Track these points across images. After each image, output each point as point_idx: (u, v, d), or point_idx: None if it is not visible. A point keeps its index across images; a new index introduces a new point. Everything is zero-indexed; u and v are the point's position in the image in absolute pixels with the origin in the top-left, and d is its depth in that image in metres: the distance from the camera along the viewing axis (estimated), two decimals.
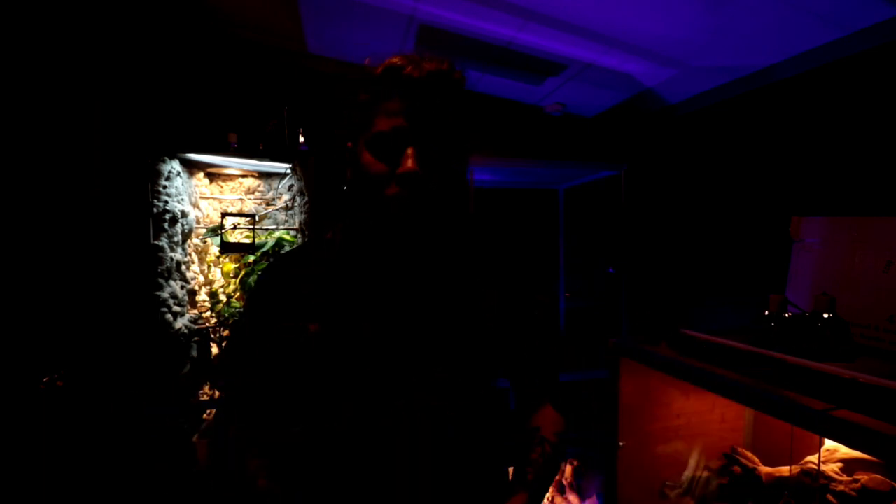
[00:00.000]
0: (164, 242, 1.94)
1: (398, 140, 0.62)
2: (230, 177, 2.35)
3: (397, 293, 0.69)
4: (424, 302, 0.69)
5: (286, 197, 2.38)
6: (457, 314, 0.70)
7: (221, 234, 2.18)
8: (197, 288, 2.26)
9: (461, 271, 0.73)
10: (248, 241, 2.21)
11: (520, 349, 0.79)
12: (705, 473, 1.41)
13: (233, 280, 2.30)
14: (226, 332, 2.25)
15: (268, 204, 2.40)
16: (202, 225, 2.28)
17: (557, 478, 1.97)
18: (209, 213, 2.35)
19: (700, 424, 1.50)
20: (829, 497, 1.13)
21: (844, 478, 1.15)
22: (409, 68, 0.62)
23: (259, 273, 0.75)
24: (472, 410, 0.70)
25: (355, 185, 0.67)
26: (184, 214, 2.08)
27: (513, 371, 0.81)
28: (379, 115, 0.63)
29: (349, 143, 0.69)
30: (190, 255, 2.21)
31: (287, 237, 2.30)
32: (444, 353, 0.68)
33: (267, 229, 2.34)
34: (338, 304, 0.68)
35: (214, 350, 2.28)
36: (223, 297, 2.31)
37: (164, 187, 1.94)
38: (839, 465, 1.18)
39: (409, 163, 0.60)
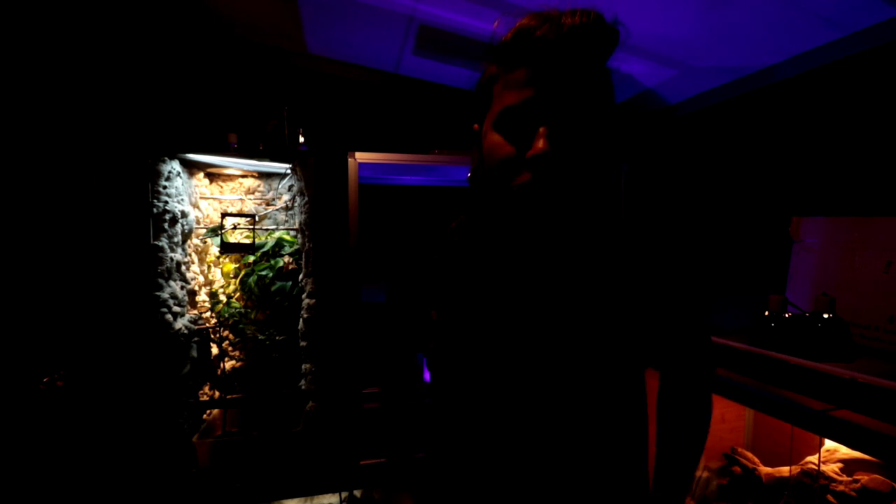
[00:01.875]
0: (164, 243, 1.94)
1: (529, 116, 0.51)
2: (230, 177, 2.35)
3: (523, 304, 0.59)
4: (555, 317, 0.58)
5: (286, 197, 2.38)
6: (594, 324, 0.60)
7: (221, 234, 2.18)
8: (197, 288, 2.26)
9: (607, 286, 0.61)
10: (248, 241, 2.21)
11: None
12: (705, 474, 1.41)
13: (233, 280, 2.30)
14: (226, 333, 2.25)
15: (268, 204, 2.40)
16: (202, 225, 2.28)
17: None
18: (209, 213, 2.35)
19: None
20: (829, 497, 1.13)
21: (844, 478, 1.15)
22: (542, 29, 0.50)
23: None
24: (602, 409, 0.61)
25: (480, 173, 0.58)
26: (184, 215, 2.08)
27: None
28: (506, 90, 0.52)
29: (475, 126, 0.59)
30: (190, 255, 2.21)
31: (287, 237, 2.30)
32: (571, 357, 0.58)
33: (267, 229, 2.34)
34: (456, 300, 0.60)
35: (214, 350, 2.28)
36: (223, 298, 2.31)
37: (164, 187, 1.94)
38: (839, 465, 1.18)
39: (541, 143, 0.49)
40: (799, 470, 1.22)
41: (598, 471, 0.60)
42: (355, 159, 1.97)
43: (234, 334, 2.25)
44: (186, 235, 2.14)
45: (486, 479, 0.59)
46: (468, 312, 0.60)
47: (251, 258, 2.26)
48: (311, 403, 2.14)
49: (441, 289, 0.63)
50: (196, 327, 2.15)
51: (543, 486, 0.58)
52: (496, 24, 0.56)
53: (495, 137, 0.53)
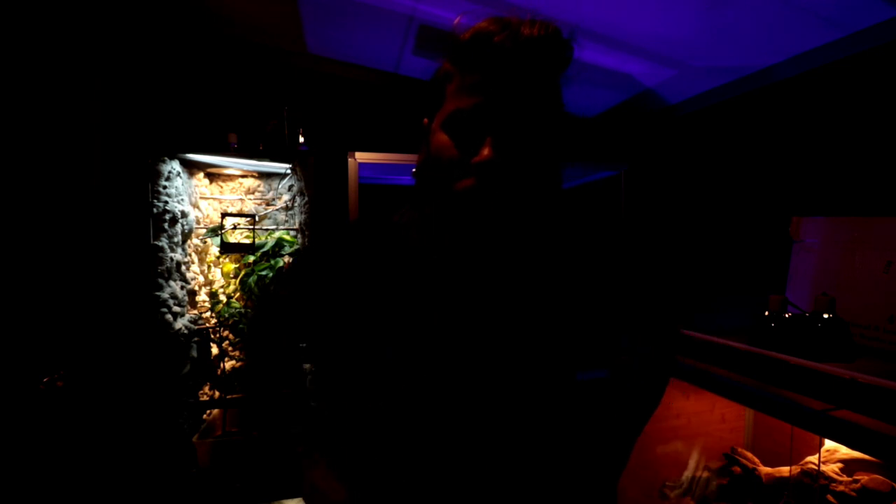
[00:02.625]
0: (164, 243, 1.94)
1: (478, 122, 0.50)
2: (230, 177, 2.35)
3: (468, 299, 0.58)
4: (498, 314, 0.58)
5: (286, 197, 2.38)
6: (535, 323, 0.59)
7: (221, 234, 2.18)
8: (197, 288, 2.26)
9: (546, 291, 0.61)
10: (248, 241, 2.21)
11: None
12: (705, 474, 1.41)
13: (233, 280, 2.30)
14: (226, 333, 2.25)
15: (268, 204, 2.40)
16: (202, 225, 2.28)
17: None
18: (209, 213, 2.35)
19: (700, 424, 1.50)
20: (829, 497, 1.13)
21: (844, 478, 1.15)
22: (501, 35, 0.49)
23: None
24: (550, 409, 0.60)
25: (425, 171, 0.57)
26: (184, 215, 2.08)
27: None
28: (457, 91, 0.52)
29: (425, 120, 0.59)
30: (190, 255, 2.21)
31: (287, 237, 2.30)
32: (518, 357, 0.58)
33: (267, 229, 2.34)
34: (408, 289, 0.58)
35: (214, 350, 2.28)
36: (223, 298, 2.31)
37: (164, 187, 1.94)
38: (839, 465, 1.19)
39: (487, 151, 0.49)
40: (799, 470, 1.22)
41: (547, 474, 0.60)
42: (355, 159, 1.97)
43: (234, 334, 2.25)
44: (186, 235, 2.14)
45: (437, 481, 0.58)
46: (416, 313, 0.58)
47: (251, 258, 2.26)
48: (311, 403, 2.14)
49: (391, 283, 0.60)
50: (196, 327, 2.15)
51: (494, 488, 0.58)
52: (457, 19, 0.55)
53: (443, 138, 0.53)
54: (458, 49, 0.53)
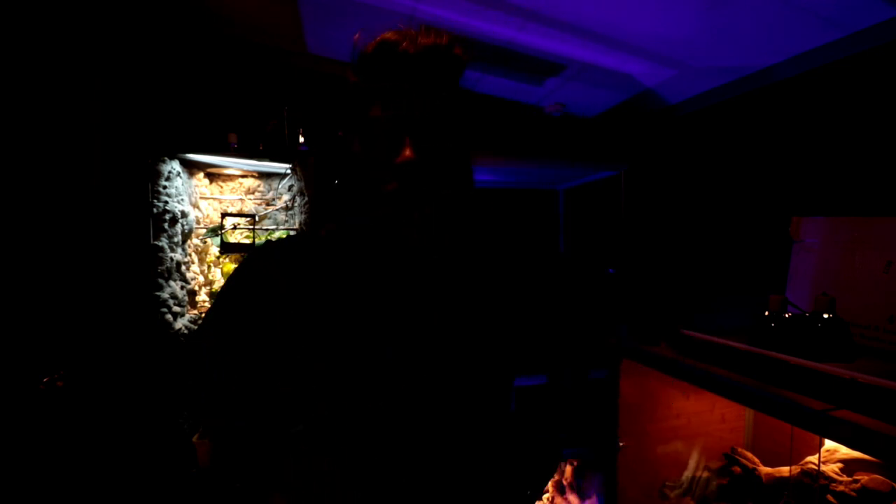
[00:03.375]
0: (164, 243, 1.94)
1: (394, 127, 0.54)
2: (230, 177, 2.35)
3: (396, 298, 0.59)
4: (426, 307, 0.60)
5: (286, 197, 2.38)
6: (463, 317, 0.62)
7: (221, 234, 2.18)
8: (197, 288, 2.26)
9: (467, 275, 0.64)
10: (248, 241, 2.21)
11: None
12: (705, 474, 1.41)
13: None
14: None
15: (268, 204, 2.40)
16: (202, 225, 2.28)
17: (557, 478, 1.97)
18: (209, 213, 2.35)
19: (700, 424, 1.51)
20: (829, 497, 1.13)
21: (844, 478, 1.15)
22: (405, 44, 0.54)
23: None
24: (479, 414, 0.62)
25: (348, 181, 0.60)
26: (184, 215, 2.08)
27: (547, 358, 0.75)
28: (372, 100, 0.55)
29: (340, 133, 0.61)
30: (190, 255, 2.21)
31: None
32: (447, 357, 0.59)
33: (267, 230, 2.34)
34: (332, 308, 0.58)
35: None
36: None
37: (164, 187, 1.94)
38: (839, 465, 1.19)
39: (407, 152, 0.53)
40: (799, 470, 1.22)
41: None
42: None
43: None
44: (186, 235, 2.14)
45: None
46: (349, 324, 0.58)
47: None
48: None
49: (315, 301, 0.59)
50: (196, 327, 2.15)
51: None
52: (357, 37, 0.59)
53: (364, 145, 0.56)
54: (365, 60, 0.57)
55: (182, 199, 2.08)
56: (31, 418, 1.48)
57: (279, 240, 0.68)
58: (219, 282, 2.33)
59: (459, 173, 0.59)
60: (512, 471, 0.68)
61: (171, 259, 2.00)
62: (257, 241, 2.22)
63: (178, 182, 2.03)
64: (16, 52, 1.54)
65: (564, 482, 1.96)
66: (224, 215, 2.18)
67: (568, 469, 1.97)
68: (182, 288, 2.08)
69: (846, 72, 1.43)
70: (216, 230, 2.22)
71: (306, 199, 2.17)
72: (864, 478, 1.12)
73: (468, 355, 0.61)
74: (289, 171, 2.27)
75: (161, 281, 1.92)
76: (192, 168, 2.22)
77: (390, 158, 0.54)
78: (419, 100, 0.54)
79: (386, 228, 0.57)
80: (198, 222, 2.25)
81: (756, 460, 1.40)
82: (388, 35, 0.55)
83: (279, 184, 2.39)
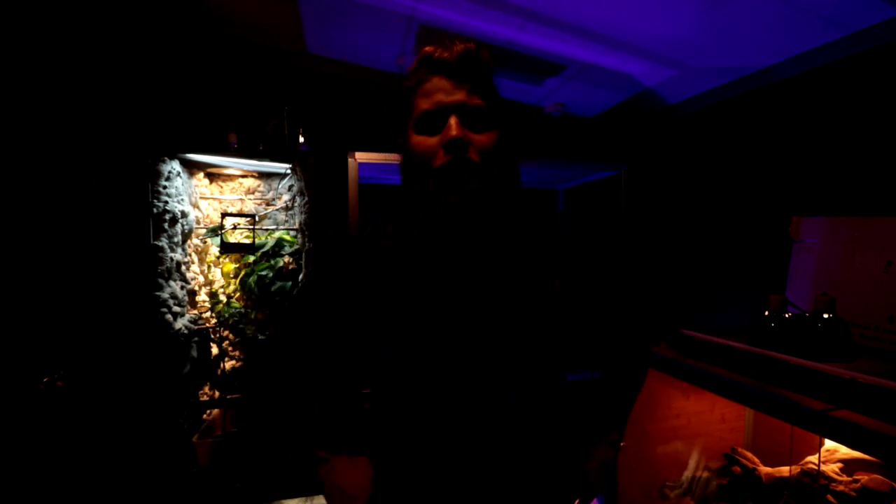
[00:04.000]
0: (164, 243, 1.94)
1: (441, 114, 0.66)
2: (230, 177, 2.35)
3: (456, 278, 0.69)
4: (483, 286, 0.70)
5: (286, 197, 2.38)
6: (518, 298, 0.71)
7: (221, 234, 2.18)
8: (197, 288, 2.26)
9: (520, 253, 0.74)
10: (248, 241, 2.21)
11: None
12: (705, 474, 1.41)
13: (233, 280, 2.30)
14: (226, 333, 2.25)
15: (268, 204, 2.40)
16: (202, 225, 2.28)
17: None
18: (209, 213, 2.35)
19: (700, 424, 1.51)
20: (829, 497, 1.13)
21: (844, 478, 1.15)
22: (440, 51, 0.67)
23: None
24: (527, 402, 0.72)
25: (407, 171, 0.71)
26: (184, 215, 2.08)
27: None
28: (420, 98, 0.68)
29: (398, 140, 0.73)
30: (190, 255, 2.21)
31: (287, 237, 2.30)
32: (503, 339, 0.69)
33: (267, 229, 2.34)
34: (400, 291, 0.70)
35: (214, 350, 2.28)
36: (223, 298, 2.31)
37: (164, 187, 1.93)
38: (839, 465, 1.19)
39: (453, 131, 0.64)
40: (799, 470, 1.22)
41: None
42: (355, 159, 1.97)
43: (234, 334, 2.25)
44: (186, 235, 2.14)
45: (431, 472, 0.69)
46: (415, 305, 0.69)
47: (251, 258, 2.26)
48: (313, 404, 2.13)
49: (385, 288, 0.71)
50: (196, 327, 2.15)
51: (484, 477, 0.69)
52: (400, 59, 0.80)
53: (417, 137, 0.68)
54: (412, 72, 0.70)
55: (182, 199, 2.08)
56: (31, 418, 1.48)
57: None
58: (219, 281, 2.33)
59: (498, 149, 0.69)
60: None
61: (171, 259, 2.00)
62: (257, 240, 2.22)
63: (178, 182, 2.03)
64: (16, 52, 1.54)
65: None
66: (224, 215, 2.18)
67: None
68: (182, 288, 2.08)
69: (846, 72, 1.43)
70: (216, 230, 2.22)
71: (306, 199, 2.17)
72: (864, 478, 1.12)
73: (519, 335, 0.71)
74: (289, 171, 2.26)
75: (161, 281, 1.92)
76: (192, 168, 2.22)
77: (441, 142, 0.65)
78: (458, 91, 0.66)
79: (439, 200, 0.66)
80: (198, 222, 2.25)
81: (756, 460, 1.40)
82: (428, 48, 0.69)
83: (279, 184, 2.39)
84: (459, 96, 0.66)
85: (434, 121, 0.66)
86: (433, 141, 0.66)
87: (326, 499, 0.77)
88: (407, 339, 0.69)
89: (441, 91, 0.66)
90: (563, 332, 0.79)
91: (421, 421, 0.69)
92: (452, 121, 0.65)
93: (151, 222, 1.87)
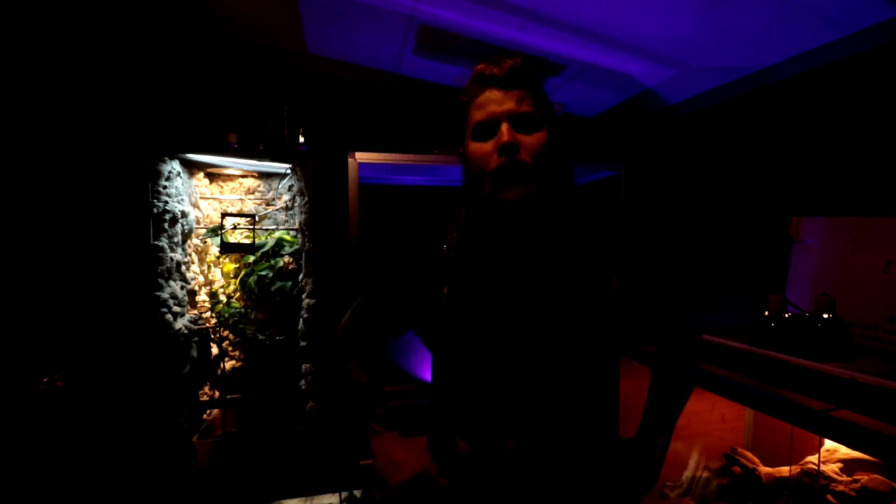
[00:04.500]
0: (164, 243, 1.94)
1: (493, 123, 0.73)
2: (230, 177, 2.35)
3: (513, 266, 0.76)
4: (538, 276, 0.76)
5: (286, 197, 2.38)
6: (569, 291, 0.77)
7: (221, 234, 2.18)
8: (197, 288, 2.26)
9: (573, 248, 0.79)
10: (248, 241, 2.21)
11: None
12: (705, 474, 1.41)
13: (233, 280, 2.30)
14: (226, 333, 2.25)
15: (268, 204, 2.40)
16: (202, 225, 2.28)
17: None
18: (209, 213, 2.35)
19: (700, 424, 1.51)
20: (829, 497, 1.13)
21: (844, 478, 1.15)
22: (490, 68, 0.75)
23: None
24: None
25: (468, 176, 0.79)
26: (184, 215, 2.08)
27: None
28: (475, 110, 0.76)
29: (460, 150, 0.82)
30: (190, 255, 2.21)
31: (287, 237, 2.30)
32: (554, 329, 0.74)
33: (267, 229, 2.34)
34: (463, 275, 0.79)
35: (214, 350, 2.28)
36: (223, 298, 2.31)
37: (164, 187, 1.93)
38: (839, 465, 1.19)
39: (505, 137, 0.70)
40: (799, 470, 1.22)
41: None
42: (355, 159, 1.97)
43: (234, 334, 2.25)
44: (186, 235, 2.14)
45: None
46: (476, 287, 0.77)
47: (251, 258, 2.26)
48: (310, 403, 2.14)
49: (450, 271, 0.80)
50: (196, 327, 2.15)
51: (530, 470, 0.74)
52: (457, 78, 0.80)
53: (474, 144, 0.75)
54: (467, 89, 0.78)
55: (182, 199, 2.08)
56: (31, 418, 1.48)
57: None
58: (219, 281, 2.33)
59: (547, 150, 0.75)
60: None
61: (171, 259, 2.00)
62: (257, 240, 2.22)
63: (178, 182, 2.03)
64: (16, 52, 1.54)
65: None
66: (224, 215, 2.18)
67: None
68: (182, 288, 2.08)
69: (846, 72, 1.43)
70: (216, 230, 2.22)
71: (306, 199, 2.17)
72: (864, 478, 1.12)
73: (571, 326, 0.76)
74: (289, 171, 2.26)
75: (161, 281, 1.92)
76: (192, 168, 2.22)
77: (494, 147, 0.72)
78: (508, 100, 0.73)
79: (495, 197, 0.72)
80: (198, 222, 2.25)
81: (756, 460, 1.40)
82: (481, 66, 0.76)
83: (279, 184, 2.39)
84: (509, 105, 0.73)
85: (488, 129, 0.73)
86: (488, 147, 0.73)
87: (377, 468, 0.85)
88: (467, 339, 0.77)
89: (493, 102, 0.74)
90: (566, 330, 0.80)
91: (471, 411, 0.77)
92: (504, 127, 0.71)
93: (151, 222, 1.87)
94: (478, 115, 0.74)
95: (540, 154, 0.73)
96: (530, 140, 0.72)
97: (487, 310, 0.76)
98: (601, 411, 0.80)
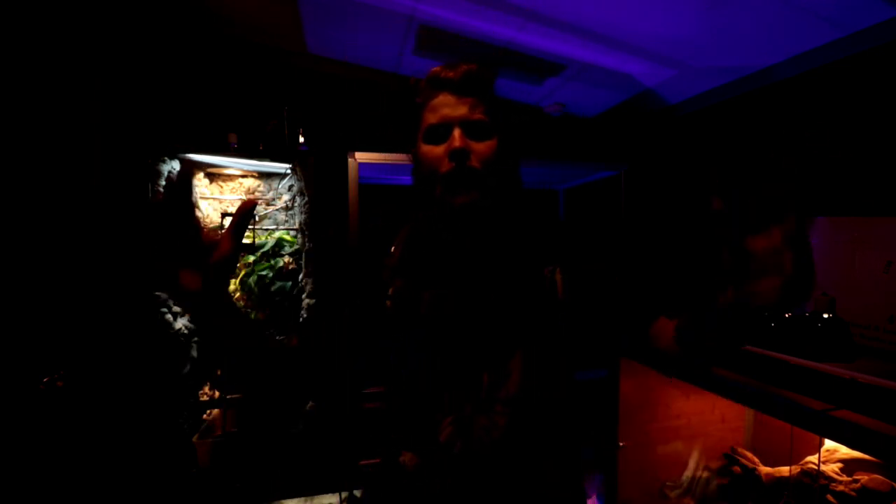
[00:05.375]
0: None
1: (446, 127, 0.74)
2: (230, 177, 2.35)
3: (460, 267, 0.77)
4: (485, 274, 0.77)
5: (286, 197, 2.38)
6: (518, 286, 0.77)
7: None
8: None
9: (518, 245, 0.80)
10: (248, 241, 2.21)
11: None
12: (705, 474, 1.41)
13: (233, 280, 2.30)
14: None
15: (268, 204, 2.40)
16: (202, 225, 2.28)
17: None
18: (209, 213, 2.35)
19: (700, 424, 1.51)
20: (829, 497, 1.13)
21: (844, 478, 1.15)
22: (446, 72, 0.76)
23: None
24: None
25: (418, 176, 0.81)
26: None
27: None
28: (428, 112, 0.77)
29: (412, 149, 0.83)
30: None
31: (287, 237, 2.30)
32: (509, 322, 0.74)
33: (267, 229, 2.34)
34: (406, 276, 0.81)
35: None
36: None
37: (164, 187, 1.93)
38: (839, 465, 1.19)
39: (456, 142, 0.72)
40: (799, 470, 1.22)
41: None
42: (355, 159, 1.97)
43: None
44: None
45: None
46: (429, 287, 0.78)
47: (251, 258, 2.26)
48: (310, 403, 2.14)
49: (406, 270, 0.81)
50: (196, 327, 2.15)
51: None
52: (412, 80, 0.82)
53: (426, 147, 0.77)
54: (422, 89, 0.79)
55: None
56: (31, 418, 1.48)
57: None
58: None
59: (502, 162, 0.76)
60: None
61: None
62: (257, 240, 2.22)
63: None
64: (16, 52, 1.54)
65: None
66: (224, 215, 2.18)
67: None
68: None
69: (846, 72, 1.43)
70: (216, 230, 2.22)
71: (306, 199, 2.17)
72: (864, 478, 1.12)
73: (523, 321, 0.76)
74: (289, 171, 2.26)
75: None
76: (192, 168, 2.22)
77: (446, 151, 0.73)
78: (461, 106, 0.74)
79: (446, 201, 0.74)
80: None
81: (756, 460, 1.40)
82: (436, 69, 0.78)
83: (279, 184, 2.39)
84: (462, 111, 0.74)
85: (440, 133, 0.75)
86: (439, 150, 0.74)
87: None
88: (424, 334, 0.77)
89: (447, 106, 0.75)
90: (564, 330, 0.80)
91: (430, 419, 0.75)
92: (456, 132, 0.73)
93: None
94: (431, 118, 0.76)
95: (489, 161, 0.74)
96: (481, 147, 0.74)
97: (426, 310, 0.77)
98: (554, 415, 0.77)
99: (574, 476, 0.80)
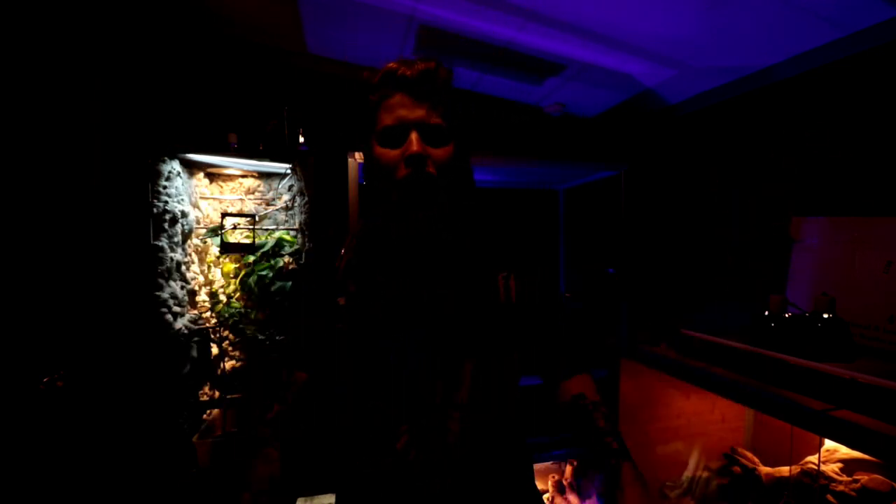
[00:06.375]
0: (164, 243, 1.94)
1: (402, 129, 0.71)
2: (230, 177, 2.35)
3: (413, 274, 0.75)
4: (439, 282, 0.75)
5: (286, 197, 2.38)
6: (471, 293, 0.75)
7: (221, 234, 2.18)
8: (197, 288, 2.26)
9: (472, 252, 0.78)
10: (248, 241, 2.21)
11: (543, 329, 0.81)
12: (705, 474, 1.41)
13: (233, 280, 2.30)
14: (226, 333, 2.25)
15: (268, 204, 2.40)
16: (202, 225, 2.28)
17: (557, 477, 1.97)
18: (209, 213, 2.35)
19: (700, 424, 1.51)
20: (829, 497, 1.13)
21: (844, 478, 1.15)
22: (403, 69, 0.72)
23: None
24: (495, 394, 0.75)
25: (371, 178, 0.77)
26: (184, 215, 2.08)
27: (539, 351, 0.82)
28: (383, 113, 0.73)
29: (363, 147, 0.79)
30: (190, 255, 2.21)
31: (287, 237, 2.30)
32: (459, 328, 0.73)
33: (267, 229, 2.34)
34: (365, 282, 0.78)
35: (214, 350, 2.28)
36: (223, 298, 2.31)
37: (164, 187, 1.93)
38: (839, 465, 1.19)
39: (414, 146, 0.69)
40: (799, 470, 1.22)
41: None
42: (355, 159, 1.97)
43: (234, 334, 2.25)
44: (186, 235, 2.14)
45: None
46: (376, 293, 0.76)
47: (251, 258, 2.26)
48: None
49: (354, 279, 0.79)
50: (196, 327, 2.15)
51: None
52: (366, 74, 0.77)
53: (381, 149, 0.73)
54: (375, 86, 0.74)
55: (182, 199, 2.08)
56: (31, 418, 1.48)
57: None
58: (219, 281, 2.33)
59: (459, 167, 0.75)
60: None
61: (171, 259, 2.00)
62: (257, 240, 2.22)
63: (178, 182, 2.03)
64: (16, 52, 1.54)
65: (564, 482, 1.96)
66: (224, 215, 2.18)
67: (568, 469, 1.97)
68: (182, 288, 2.08)
69: (846, 72, 1.43)
70: (216, 230, 2.22)
71: (306, 199, 2.17)
72: (864, 478, 1.12)
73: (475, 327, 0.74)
74: (289, 171, 2.26)
75: (161, 281, 1.92)
76: (192, 168, 2.22)
77: (402, 155, 0.70)
78: (419, 108, 0.71)
79: (400, 206, 0.72)
80: (198, 222, 2.25)
81: (756, 460, 1.40)
82: (391, 65, 0.73)
83: (279, 184, 2.39)
84: (420, 114, 0.71)
85: (396, 135, 0.71)
86: (395, 154, 0.71)
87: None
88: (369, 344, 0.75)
89: (403, 107, 0.71)
90: (561, 332, 0.80)
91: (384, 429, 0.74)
92: (413, 136, 0.70)
93: (151, 222, 1.86)
94: (386, 119, 0.72)
95: (446, 167, 0.72)
96: (438, 153, 0.72)
97: (380, 316, 0.75)
98: (505, 420, 0.77)
99: (526, 479, 0.80)
